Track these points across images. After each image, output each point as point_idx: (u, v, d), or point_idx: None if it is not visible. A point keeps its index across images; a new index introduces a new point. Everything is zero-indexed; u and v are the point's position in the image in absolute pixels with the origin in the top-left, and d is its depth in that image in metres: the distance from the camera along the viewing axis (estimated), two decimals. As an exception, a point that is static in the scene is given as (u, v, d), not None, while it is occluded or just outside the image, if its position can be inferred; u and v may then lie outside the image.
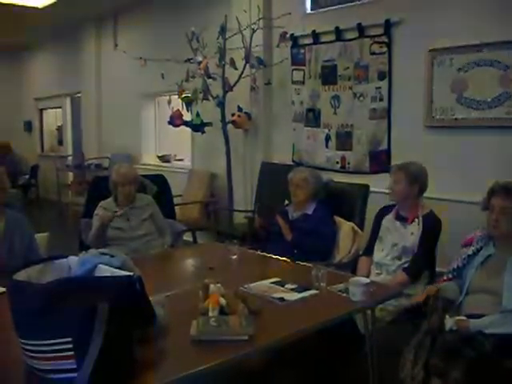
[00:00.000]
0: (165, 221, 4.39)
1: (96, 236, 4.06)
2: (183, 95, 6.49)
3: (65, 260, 2.10)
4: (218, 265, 3.39)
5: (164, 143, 9.08)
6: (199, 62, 6.17)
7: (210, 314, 2.35)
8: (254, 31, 5.99)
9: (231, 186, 6.45)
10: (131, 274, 1.86)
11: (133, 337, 1.88)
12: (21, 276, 1.93)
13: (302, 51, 6.03)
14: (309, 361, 3.53)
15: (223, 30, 6.10)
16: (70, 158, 11.47)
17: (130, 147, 9.15)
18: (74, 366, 1.75)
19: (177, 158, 8.67)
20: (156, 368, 2.00)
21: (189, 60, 6.36)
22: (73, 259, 2.09)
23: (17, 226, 3.43)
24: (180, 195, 6.67)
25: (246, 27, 6.01)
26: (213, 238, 6.45)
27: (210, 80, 6.26)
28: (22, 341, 1.85)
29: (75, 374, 1.75)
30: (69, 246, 4.95)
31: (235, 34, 6.07)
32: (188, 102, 6.42)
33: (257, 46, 6.09)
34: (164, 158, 8.64)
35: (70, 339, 1.74)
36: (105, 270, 1.97)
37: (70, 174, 11.03)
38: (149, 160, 8.88)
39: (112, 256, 2.07)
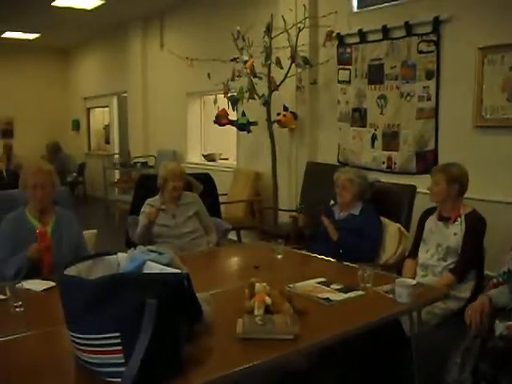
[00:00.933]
0: (210, 219, 4.42)
1: (142, 233, 4.12)
2: (229, 94, 6.52)
3: (114, 256, 2.14)
4: (263, 264, 3.40)
5: (209, 142, 9.13)
6: (245, 62, 6.18)
7: (256, 312, 2.35)
8: (299, 30, 5.97)
9: (276, 185, 6.45)
10: (180, 271, 1.88)
11: (180, 333, 1.90)
12: (71, 271, 1.97)
13: (349, 50, 5.98)
14: (353, 362, 3.50)
15: (269, 29, 6.10)
16: (116, 156, 11.63)
17: (176, 146, 9.24)
18: (123, 361, 1.78)
19: (222, 156, 8.72)
20: (201, 365, 2.00)
21: (235, 59, 6.39)
22: (122, 256, 2.12)
23: (66, 223, 3.50)
24: (225, 194, 6.70)
25: (292, 26, 6.00)
26: (257, 237, 6.47)
27: (256, 79, 6.26)
28: (72, 334, 1.90)
29: (123, 368, 1.78)
30: (115, 242, 5.03)
31: (281, 33, 6.06)
32: (234, 101, 6.45)
33: (303, 45, 6.07)
34: (209, 157, 8.69)
35: (118, 334, 1.77)
36: (153, 267, 1.99)
37: (117, 172, 11.20)
38: (194, 159, 8.96)
39: (160, 253, 2.09)
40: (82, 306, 1.79)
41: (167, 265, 2.03)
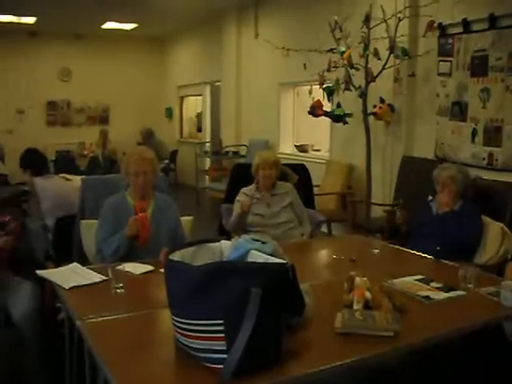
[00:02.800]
0: (305, 210, 4.40)
1: (236, 222, 4.15)
2: (324, 85, 6.45)
3: (217, 244, 2.16)
4: (359, 258, 3.35)
5: (301, 133, 9.09)
6: (342, 52, 6.09)
7: (355, 307, 2.32)
8: (399, 20, 5.82)
9: (370, 178, 6.33)
10: (285, 261, 1.87)
11: (281, 324, 1.89)
12: (175, 256, 2.00)
13: (450, 41, 5.76)
14: (449, 364, 3.38)
15: (367, 19, 5.98)
16: (207, 144, 11.78)
17: (268, 136, 9.25)
18: (224, 348, 1.79)
19: (314, 148, 8.66)
20: (299, 357, 1.99)
21: (331, 50, 6.31)
22: (225, 244, 2.14)
23: (164, 209, 3.57)
24: (316, 186, 6.65)
25: (391, 16, 5.86)
26: (348, 230, 6.41)
27: (353, 70, 6.16)
28: (175, 318, 1.92)
29: (225, 356, 1.79)
30: (206, 230, 5.10)
31: (380, 24, 5.93)
32: (329, 92, 6.37)
33: (402, 35, 5.90)
34: (301, 148, 8.65)
35: (221, 321, 1.78)
36: (257, 256, 1.99)
37: (208, 160, 11.34)
38: (286, 149, 8.94)
39: (263, 242, 2.09)
40: (187, 291, 1.81)
41: (271, 254, 2.02)
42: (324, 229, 6.00)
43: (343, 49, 6.09)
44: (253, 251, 2.02)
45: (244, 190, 4.28)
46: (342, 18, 6.11)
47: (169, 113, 13.65)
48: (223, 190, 8.60)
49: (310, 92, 6.67)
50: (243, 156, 9.66)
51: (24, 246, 3.47)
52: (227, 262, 2.00)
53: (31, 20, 10.88)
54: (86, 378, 2.46)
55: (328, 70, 6.33)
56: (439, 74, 5.93)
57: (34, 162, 4.94)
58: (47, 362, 3.30)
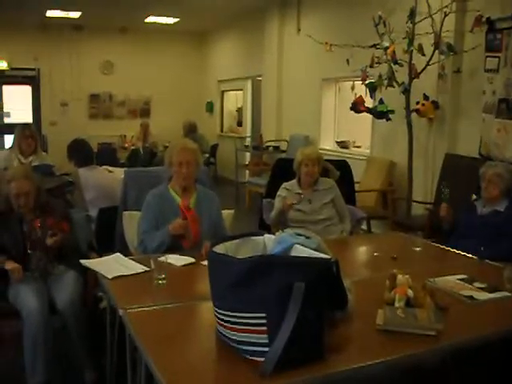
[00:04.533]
0: (346, 207, 4.37)
1: (277, 217, 4.15)
2: (367, 81, 6.39)
3: (261, 238, 2.17)
4: (400, 255, 3.31)
5: (342, 129, 9.03)
6: (386, 48, 6.01)
7: (397, 304, 2.30)
8: (445, 15, 5.71)
9: (411, 175, 6.25)
10: (329, 257, 1.86)
11: (324, 319, 1.88)
12: (219, 249, 2.01)
13: (499, 36, 5.62)
14: (491, 367, 3.32)
15: (412, 14, 5.89)
16: (248, 139, 11.79)
17: (309, 131, 9.20)
18: (266, 341, 1.80)
19: (355, 144, 8.59)
20: (341, 353, 1.99)
21: (374, 45, 6.24)
22: (269, 237, 2.14)
23: (206, 202, 3.60)
24: (357, 182, 6.61)
25: (437, 11, 5.75)
26: (388, 228, 6.34)
27: (396, 66, 6.07)
28: (218, 310, 1.93)
29: (266, 349, 1.79)
30: (246, 224, 5.12)
31: (425, 18, 5.82)
32: (372, 89, 6.31)
33: (447, 30, 5.79)
34: (342, 144, 8.59)
35: (264, 314, 1.79)
36: (301, 251, 1.99)
37: (248, 155, 11.36)
38: (327, 145, 8.88)
39: (307, 237, 2.08)
40: (231, 284, 1.82)
41: (315, 249, 2.01)
42: (363, 226, 5.96)
43: (387, 44, 6.01)
44: (297, 245, 2.02)
45: (285, 185, 4.28)
46: (386, 13, 6.02)
47: (209, 107, 13.69)
48: (263, 185, 8.70)
49: (353, 88, 6.59)
50: (283, 151, 9.64)
51: (69, 236, 3.53)
52: (271, 255, 2.00)
53: (76, 14, 11.06)
54: (125, 364, 2.51)
55: (371, 66, 6.26)
56: (486, 71, 5.80)
57: (80, 152, 5.01)
58: (88, 349, 3.37)
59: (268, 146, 9.96)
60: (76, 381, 3.42)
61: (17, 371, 3.37)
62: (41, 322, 3.15)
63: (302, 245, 2.03)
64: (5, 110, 13.13)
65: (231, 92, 13.35)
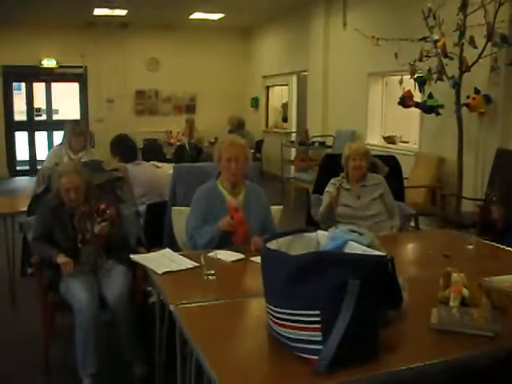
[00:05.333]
0: (395, 203, 4.29)
1: (325, 212, 4.11)
2: (416, 75, 6.27)
3: (313, 234, 2.14)
4: (452, 253, 3.23)
5: (389, 124, 8.90)
6: (435, 41, 5.90)
7: (451, 303, 2.24)
8: (499, 5, 5.54)
9: (461, 171, 6.12)
10: (384, 254, 1.83)
11: (378, 317, 1.85)
12: (272, 245, 1.99)
13: (556, 26, 5.45)
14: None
15: (464, 5, 5.75)
16: (293, 134, 11.75)
17: (355, 126, 9.11)
18: (320, 339, 1.78)
19: (402, 139, 8.46)
20: (395, 352, 1.95)
21: (424, 38, 6.12)
22: (321, 234, 2.11)
23: (255, 197, 3.58)
24: (405, 178, 6.51)
25: (490, 1, 5.58)
26: (436, 225, 6.23)
27: (446, 59, 5.94)
28: (270, 307, 1.92)
29: (320, 346, 1.77)
30: (292, 220, 5.09)
31: (477, 9, 5.66)
32: (421, 83, 6.19)
33: (502, 21, 5.62)
34: (389, 139, 8.47)
35: (318, 312, 1.77)
36: (355, 247, 1.96)
37: (293, 150, 11.32)
38: (373, 140, 8.76)
39: (361, 234, 2.05)
40: (284, 280, 1.80)
41: (368, 246, 1.98)
42: (411, 223, 5.86)
43: (437, 37, 5.89)
44: (351, 242, 1.99)
45: (333, 180, 4.23)
46: (435, 5, 5.90)
47: (254, 102, 13.69)
48: (308, 181, 8.69)
49: (401, 82, 6.48)
50: (329, 147, 9.57)
51: (118, 231, 3.57)
52: (326, 252, 1.97)
53: (123, 12, 11.20)
54: (174, 358, 2.52)
55: (420, 60, 6.14)
56: (542, 63, 5.63)
57: (123, 148, 5.05)
58: (137, 343, 3.40)
59: (314, 142, 9.90)
60: (125, 375, 3.46)
61: (69, 362, 3.44)
62: (91, 315, 3.20)
63: (356, 241, 1.99)
64: (53, 107, 13.42)
65: (276, 87, 13.32)
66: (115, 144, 5.15)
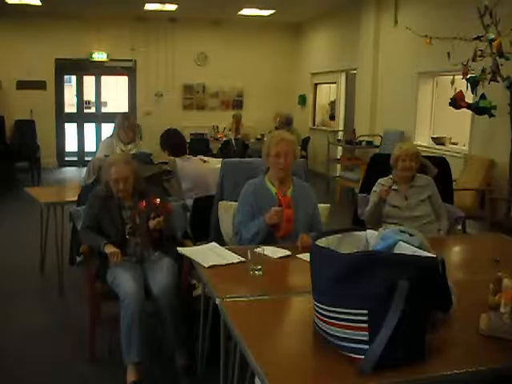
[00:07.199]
0: (443, 205, 4.23)
1: (372, 212, 4.07)
2: (468, 75, 6.14)
3: (363, 233, 2.13)
4: (503, 258, 3.15)
5: (438, 125, 8.75)
6: (491, 40, 5.76)
7: (502, 310, 2.18)
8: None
9: (512, 175, 5.99)
10: (435, 255, 1.80)
11: (427, 319, 1.82)
12: (321, 243, 1.98)
13: None
14: None
15: (522, 3, 5.62)
16: (340, 133, 11.67)
17: (404, 126, 8.98)
18: (367, 338, 1.77)
19: (452, 141, 8.31)
20: (443, 356, 1.92)
21: (478, 37, 5.98)
22: (371, 233, 2.10)
23: (302, 194, 3.58)
24: (453, 180, 6.40)
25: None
26: (484, 229, 6.11)
27: (502, 59, 5.80)
28: (318, 304, 1.91)
29: (366, 346, 1.76)
30: (340, 218, 5.05)
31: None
32: (474, 83, 6.06)
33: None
34: (438, 140, 8.31)
35: (366, 311, 1.76)
36: (405, 248, 1.94)
37: (339, 149, 11.24)
38: (422, 141, 8.61)
39: (411, 235, 2.03)
40: (334, 278, 1.79)
41: (418, 247, 1.95)
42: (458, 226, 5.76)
43: (492, 36, 5.75)
44: (401, 243, 1.96)
45: (381, 180, 4.19)
46: (492, 3, 5.75)
47: (302, 100, 13.62)
48: (354, 180, 8.64)
49: (453, 82, 6.36)
50: (377, 146, 9.47)
51: (167, 224, 3.61)
52: (377, 252, 1.95)
53: (173, 7, 11.29)
54: (216, 351, 2.57)
55: (473, 60, 6.01)
56: None
57: (173, 142, 5.10)
58: (181, 335, 3.43)
59: (361, 141, 9.81)
60: (168, 366, 3.50)
61: (114, 351, 3.50)
62: (137, 305, 3.23)
63: (406, 242, 1.97)
64: (102, 99, 13.65)
65: (324, 85, 13.23)
66: (165, 138, 5.21)
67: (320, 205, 3.72)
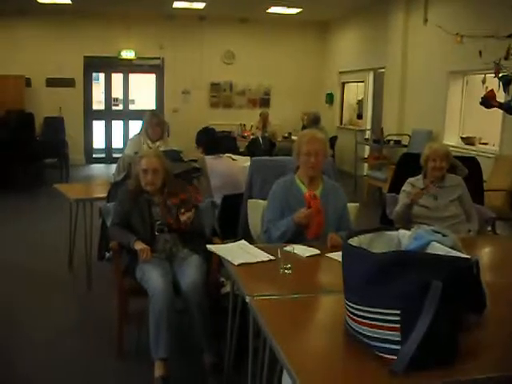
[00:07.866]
0: (473, 205, 4.18)
1: (402, 212, 4.04)
2: (500, 74, 6.06)
3: (395, 233, 2.11)
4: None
5: (468, 124, 8.65)
6: (524, 39, 5.69)
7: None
8: None
9: (545, 176, 5.90)
10: (468, 256, 1.78)
11: (460, 320, 1.80)
12: (353, 242, 1.97)
13: None
14: None
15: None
16: (368, 132, 11.60)
17: (432, 126, 8.89)
18: (399, 339, 1.75)
19: (481, 141, 8.20)
20: (478, 358, 1.88)
21: (511, 36, 5.91)
22: (403, 233, 2.08)
23: (332, 193, 3.57)
24: (484, 181, 6.31)
25: None
26: (515, 231, 6.03)
27: (535, 58, 5.74)
28: (349, 304, 1.90)
29: (398, 346, 1.75)
30: (367, 217, 5.02)
31: None
32: (506, 82, 5.98)
33: None
34: (468, 140, 8.22)
35: (398, 311, 1.74)
36: (438, 248, 1.91)
37: (367, 148, 11.18)
38: (451, 141, 8.51)
39: (444, 235, 2.01)
40: (366, 278, 1.78)
41: (451, 248, 1.93)
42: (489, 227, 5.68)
43: (525, 34, 5.68)
44: (434, 243, 1.94)
45: (410, 180, 4.16)
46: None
47: (329, 98, 13.56)
48: (382, 179, 8.57)
49: (484, 81, 6.28)
50: (405, 146, 9.40)
51: (196, 221, 3.62)
52: (409, 252, 1.93)
53: (201, 5, 11.35)
54: (244, 349, 2.58)
55: (506, 58, 5.94)
56: None
57: (208, 140, 5.13)
58: (209, 332, 3.44)
59: (389, 140, 9.74)
60: (195, 363, 3.51)
61: (142, 348, 3.53)
62: (165, 301, 3.25)
63: (439, 242, 1.95)
64: (130, 97, 13.75)
65: (352, 84, 13.16)
66: (202, 136, 5.23)
67: (349, 204, 3.70)
